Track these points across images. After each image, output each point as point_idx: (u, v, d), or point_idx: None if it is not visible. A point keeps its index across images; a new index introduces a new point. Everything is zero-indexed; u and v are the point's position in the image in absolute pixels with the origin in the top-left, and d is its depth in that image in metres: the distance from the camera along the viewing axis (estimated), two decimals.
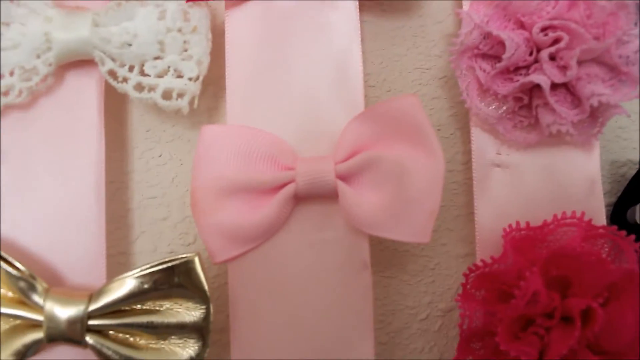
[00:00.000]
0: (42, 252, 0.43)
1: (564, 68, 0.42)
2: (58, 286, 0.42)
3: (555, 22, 0.42)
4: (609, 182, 0.50)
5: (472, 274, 0.43)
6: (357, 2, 0.46)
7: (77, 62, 0.44)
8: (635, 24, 0.43)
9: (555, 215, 0.43)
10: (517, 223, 0.44)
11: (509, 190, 0.46)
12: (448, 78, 0.49)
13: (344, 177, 0.41)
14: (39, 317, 0.40)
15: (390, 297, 0.48)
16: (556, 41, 0.42)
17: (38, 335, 0.40)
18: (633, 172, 0.49)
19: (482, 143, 0.46)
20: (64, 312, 0.40)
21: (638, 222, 0.47)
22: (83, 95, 0.44)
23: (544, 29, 0.43)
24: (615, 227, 0.43)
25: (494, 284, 0.43)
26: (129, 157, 0.48)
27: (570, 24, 0.42)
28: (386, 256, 0.48)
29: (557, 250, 0.41)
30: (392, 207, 0.40)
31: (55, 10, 0.43)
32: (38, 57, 0.42)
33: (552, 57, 0.43)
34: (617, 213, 0.49)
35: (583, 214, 0.43)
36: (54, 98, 0.44)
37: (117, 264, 0.47)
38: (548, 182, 0.45)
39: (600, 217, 0.45)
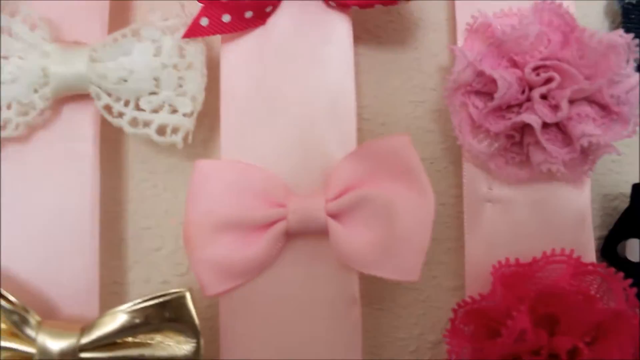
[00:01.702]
0: (35, 283, 0.43)
1: (555, 107, 0.43)
2: (50, 317, 0.43)
3: (548, 62, 0.43)
4: (601, 216, 0.50)
5: (461, 310, 0.44)
6: (351, 36, 0.46)
7: (73, 95, 0.44)
8: (627, 62, 0.43)
9: (544, 252, 0.43)
10: (507, 259, 0.44)
11: (500, 226, 0.46)
12: (442, 111, 0.49)
13: (335, 215, 0.42)
14: (31, 349, 0.40)
15: (380, 329, 0.48)
16: (548, 81, 0.43)
17: None
18: (625, 205, 0.49)
19: (474, 178, 0.46)
20: (56, 344, 0.40)
21: (628, 257, 0.47)
22: (79, 128, 0.44)
23: (536, 69, 0.43)
24: (604, 263, 0.43)
25: (483, 320, 0.43)
26: (125, 187, 0.48)
27: (562, 64, 0.42)
28: (377, 288, 0.48)
29: (546, 288, 0.42)
30: (382, 245, 0.41)
31: (53, 45, 0.43)
32: (35, 91, 0.43)
33: (544, 97, 0.43)
34: (609, 247, 0.49)
35: (572, 251, 0.43)
36: (50, 131, 0.44)
37: (110, 294, 0.47)
38: (538, 217, 0.46)
39: (590, 253, 0.45)
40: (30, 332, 0.41)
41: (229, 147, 0.45)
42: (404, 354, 0.49)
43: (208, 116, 0.47)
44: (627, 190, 0.49)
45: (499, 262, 0.44)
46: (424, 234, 0.41)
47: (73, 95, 0.44)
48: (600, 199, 0.50)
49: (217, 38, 0.46)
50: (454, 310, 0.44)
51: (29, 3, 0.44)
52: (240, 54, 0.46)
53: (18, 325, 0.41)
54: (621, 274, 0.42)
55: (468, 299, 0.43)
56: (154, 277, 0.48)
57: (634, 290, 0.42)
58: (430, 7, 0.50)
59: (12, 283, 0.43)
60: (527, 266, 0.44)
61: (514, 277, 0.44)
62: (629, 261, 0.47)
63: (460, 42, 0.47)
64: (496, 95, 0.42)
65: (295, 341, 0.43)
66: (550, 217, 0.46)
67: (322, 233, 0.42)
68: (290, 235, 0.43)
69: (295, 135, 0.45)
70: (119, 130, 0.46)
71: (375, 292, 0.49)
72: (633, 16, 0.48)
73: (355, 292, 0.43)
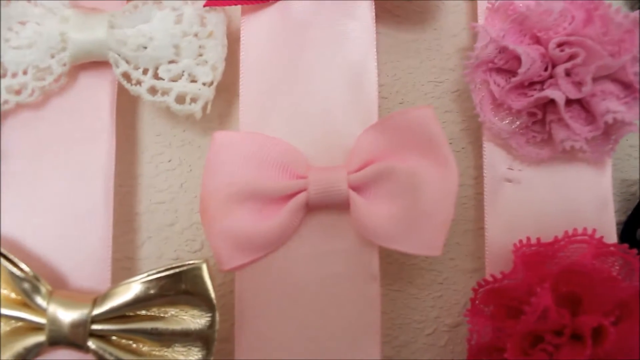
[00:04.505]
0: (47, 254, 0.43)
1: (579, 84, 0.43)
2: (62, 289, 0.42)
3: (572, 39, 0.42)
4: (619, 201, 0.50)
5: (481, 289, 0.43)
6: (374, 13, 0.46)
7: (91, 63, 0.44)
8: None
9: (566, 232, 0.43)
10: (528, 238, 0.43)
11: (520, 206, 0.45)
12: (461, 92, 0.49)
13: (357, 188, 0.41)
14: (41, 319, 0.40)
15: (397, 311, 0.48)
16: (572, 57, 0.42)
17: (40, 338, 0.39)
18: None
19: (494, 158, 0.46)
20: (67, 315, 0.40)
21: None
22: (95, 97, 0.44)
23: (560, 45, 0.43)
24: (626, 245, 0.43)
25: (503, 300, 0.42)
26: (139, 160, 0.48)
27: (586, 41, 0.42)
28: (394, 269, 0.48)
29: (568, 266, 0.41)
30: (404, 219, 0.40)
31: (72, 10, 0.43)
32: (53, 56, 0.42)
33: (568, 73, 0.43)
34: (627, 232, 0.49)
35: (594, 231, 0.42)
36: (66, 98, 0.44)
37: (122, 269, 0.47)
38: (559, 198, 0.45)
39: (611, 235, 0.45)
40: (41, 301, 0.40)
41: (248, 120, 0.44)
42: (420, 336, 0.48)
43: (225, 91, 0.47)
44: None
45: (520, 242, 0.43)
46: (448, 207, 0.40)
47: (90, 63, 0.44)
48: (619, 184, 0.50)
49: (237, 12, 0.46)
50: (474, 290, 0.43)
51: None
52: (261, 27, 0.45)
53: (29, 293, 0.40)
54: None
55: (489, 278, 0.43)
56: (167, 253, 0.47)
57: None
58: None
59: (24, 254, 0.42)
60: (548, 245, 0.43)
61: (535, 256, 0.43)
62: None
63: (480, 22, 0.46)
64: (520, 71, 0.42)
65: (313, 318, 0.42)
66: (572, 199, 0.45)
67: (342, 206, 0.41)
68: (310, 209, 0.42)
69: (315, 110, 0.44)
70: (135, 103, 0.46)
71: (392, 273, 0.48)
72: None
73: (375, 268, 0.42)
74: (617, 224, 0.49)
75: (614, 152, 0.45)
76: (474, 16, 0.48)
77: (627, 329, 0.40)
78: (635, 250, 0.42)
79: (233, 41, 0.46)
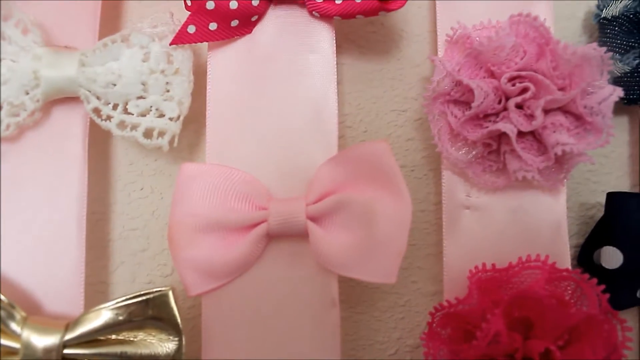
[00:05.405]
0: (22, 280, 0.45)
1: (530, 117, 0.44)
2: (36, 313, 0.44)
3: (523, 73, 0.44)
4: (578, 224, 0.51)
5: (438, 313, 0.45)
6: (334, 45, 0.47)
7: (63, 98, 0.45)
8: (601, 74, 0.44)
9: (520, 258, 0.44)
10: (483, 264, 0.45)
11: (478, 232, 0.47)
12: (423, 120, 0.51)
13: (315, 218, 0.43)
14: (15, 344, 0.41)
15: (360, 332, 0.49)
16: (523, 91, 0.44)
17: None
18: (601, 214, 0.50)
19: (453, 185, 0.47)
20: (41, 340, 0.41)
21: (602, 264, 0.48)
22: (68, 130, 0.46)
23: (512, 79, 0.44)
24: (578, 270, 0.44)
25: (459, 324, 0.44)
26: (112, 189, 0.50)
27: (537, 75, 0.43)
28: (357, 292, 0.50)
29: (521, 292, 0.42)
30: (360, 249, 0.42)
31: (44, 49, 0.44)
32: (26, 93, 0.44)
33: (519, 106, 0.44)
34: (585, 255, 0.51)
35: (547, 257, 0.44)
36: (40, 132, 0.46)
37: (96, 293, 0.49)
38: (515, 224, 0.47)
39: (565, 260, 0.46)
40: (15, 327, 0.42)
41: (214, 151, 0.46)
42: (383, 357, 0.49)
43: (194, 122, 0.49)
44: (604, 199, 0.50)
45: (476, 267, 0.45)
46: (402, 237, 0.42)
47: (63, 98, 0.45)
48: (577, 208, 0.51)
49: (204, 46, 0.48)
50: (432, 314, 0.45)
51: (22, 4, 0.45)
52: (227, 62, 0.47)
53: (3, 320, 0.42)
54: (594, 280, 0.43)
55: (445, 303, 0.44)
56: (140, 278, 0.49)
57: (607, 295, 0.43)
58: (412, 18, 0.51)
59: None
60: (503, 271, 0.45)
61: (490, 281, 0.45)
62: (604, 268, 0.48)
63: (440, 53, 0.48)
64: (473, 104, 0.44)
65: (275, 341, 0.44)
66: (527, 224, 0.47)
67: (302, 236, 0.43)
68: (272, 238, 0.44)
69: (278, 141, 0.46)
70: (107, 133, 0.47)
71: (355, 296, 0.50)
72: (608, 31, 0.50)
73: (334, 294, 0.44)
74: (576, 246, 0.50)
75: (571, 177, 0.46)
76: (435, 46, 0.49)
77: (575, 352, 0.42)
78: (586, 275, 0.43)
79: (201, 73, 0.47)
